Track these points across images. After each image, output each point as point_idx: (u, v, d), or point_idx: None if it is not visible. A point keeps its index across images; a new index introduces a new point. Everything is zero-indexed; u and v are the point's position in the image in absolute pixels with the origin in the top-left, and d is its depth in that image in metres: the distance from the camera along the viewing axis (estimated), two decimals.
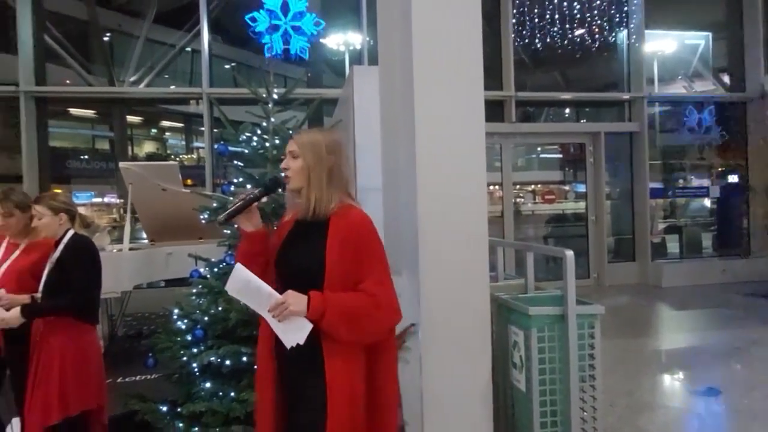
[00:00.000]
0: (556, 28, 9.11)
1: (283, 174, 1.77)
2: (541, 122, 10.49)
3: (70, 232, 2.61)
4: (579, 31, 9.28)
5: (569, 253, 2.52)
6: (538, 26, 9.06)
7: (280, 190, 1.96)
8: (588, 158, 9.11)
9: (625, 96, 9.46)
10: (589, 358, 2.56)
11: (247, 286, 1.66)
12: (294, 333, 1.61)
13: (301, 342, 1.61)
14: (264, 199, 1.99)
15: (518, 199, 9.70)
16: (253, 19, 6.96)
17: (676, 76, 10.22)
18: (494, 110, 8.59)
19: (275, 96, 3.05)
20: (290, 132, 3.04)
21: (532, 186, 10.96)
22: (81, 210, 2.85)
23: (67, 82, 9.68)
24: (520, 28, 9.00)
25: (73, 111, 10.56)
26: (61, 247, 2.56)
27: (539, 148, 10.97)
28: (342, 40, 8.93)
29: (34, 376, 2.46)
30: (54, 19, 8.89)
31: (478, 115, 2.55)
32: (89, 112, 11.86)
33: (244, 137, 3.01)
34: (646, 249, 9.07)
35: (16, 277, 2.64)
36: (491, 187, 8.71)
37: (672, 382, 4.57)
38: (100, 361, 2.66)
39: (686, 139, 9.48)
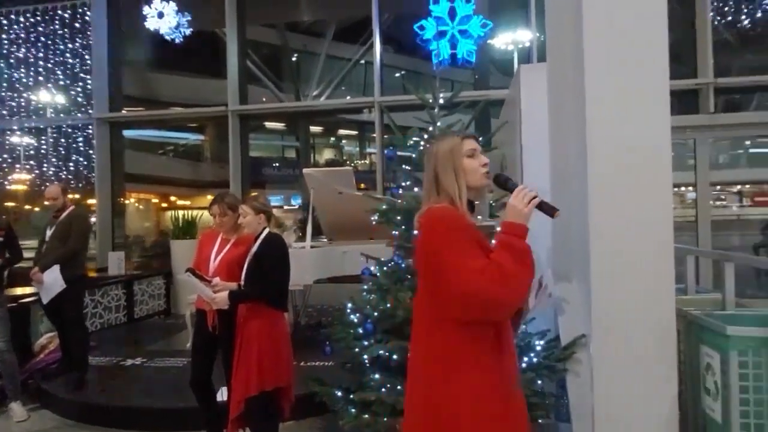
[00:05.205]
0: None
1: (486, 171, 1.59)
2: (749, 111, 8.90)
3: (266, 230, 2.99)
4: None
5: None
6: None
7: None
8: None
9: None
10: None
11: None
12: None
13: None
14: None
15: (718, 202, 8.39)
16: (422, 27, 7.13)
17: None
18: (687, 101, 7.54)
19: (441, 101, 3.12)
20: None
21: (738, 187, 9.39)
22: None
23: (263, 99, 11.15)
24: (720, 3, 7.78)
25: (267, 124, 12.11)
26: (258, 242, 2.96)
27: (748, 143, 9.34)
28: (510, 38, 8.72)
29: (238, 354, 2.88)
30: (252, 45, 10.27)
31: (662, 108, 2.30)
32: (279, 125, 13.49)
33: (411, 142, 3.13)
34: None
35: (226, 267, 3.11)
36: (683, 188, 7.68)
37: None
38: (289, 344, 2.99)
39: None
